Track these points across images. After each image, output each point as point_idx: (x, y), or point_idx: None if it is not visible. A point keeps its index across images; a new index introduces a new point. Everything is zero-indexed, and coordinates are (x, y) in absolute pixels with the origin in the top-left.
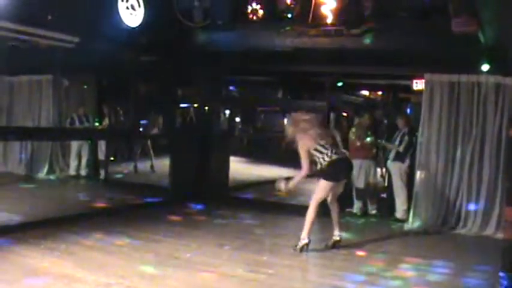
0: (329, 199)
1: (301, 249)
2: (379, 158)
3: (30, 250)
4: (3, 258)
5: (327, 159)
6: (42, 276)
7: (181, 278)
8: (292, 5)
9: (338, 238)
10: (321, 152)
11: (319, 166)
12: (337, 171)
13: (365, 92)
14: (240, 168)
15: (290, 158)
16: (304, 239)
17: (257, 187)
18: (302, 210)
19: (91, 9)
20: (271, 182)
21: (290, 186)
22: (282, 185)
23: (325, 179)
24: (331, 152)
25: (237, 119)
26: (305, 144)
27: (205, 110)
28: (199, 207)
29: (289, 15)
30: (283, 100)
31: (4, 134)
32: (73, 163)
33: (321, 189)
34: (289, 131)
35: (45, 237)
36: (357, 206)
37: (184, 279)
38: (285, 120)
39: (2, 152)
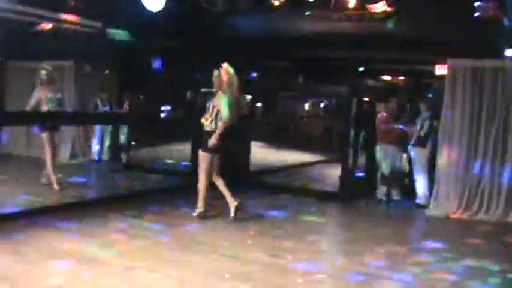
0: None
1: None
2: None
3: (55, 232)
4: (28, 240)
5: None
6: (67, 258)
7: (204, 262)
8: None
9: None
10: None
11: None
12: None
13: (387, 77)
14: (261, 153)
15: (310, 143)
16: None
17: (278, 172)
18: (323, 195)
19: None
20: (292, 167)
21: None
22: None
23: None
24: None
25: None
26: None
27: None
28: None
29: (312, 0)
30: (305, 85)
31: (29, 119)
32: (95, 147)
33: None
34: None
35: (69, 220)
36: (380, 192)
37: (207, 263)
38: (306, 106)
39: (25, 136)
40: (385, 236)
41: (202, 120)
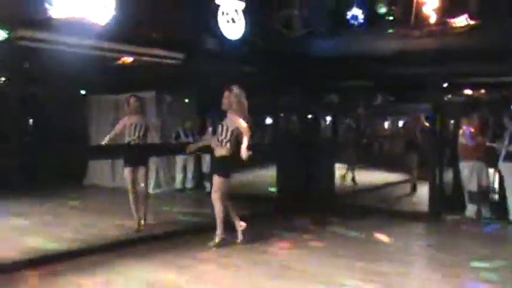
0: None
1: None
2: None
3: (147, 264)
4: (122, 272)
5: None
6: None
7: None
8: (393, 8)
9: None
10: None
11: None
12: None
13: (468, 91)
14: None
15: (394, 162)
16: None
17: (364, 193)
18: (411, 215)
19: (192, 25)
20: (376, 188)
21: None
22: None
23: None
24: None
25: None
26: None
27: (307, 117)
28: (307, 216)
29: (391, 18)
30: (386, 104)
31: (113, 151)
32: (179, 176)
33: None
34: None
35: (161, 251)
36: (470, 210)
37: None
38: (386, 124)
39: (110, 168)
40: (480, 255)
41: (214, 144)
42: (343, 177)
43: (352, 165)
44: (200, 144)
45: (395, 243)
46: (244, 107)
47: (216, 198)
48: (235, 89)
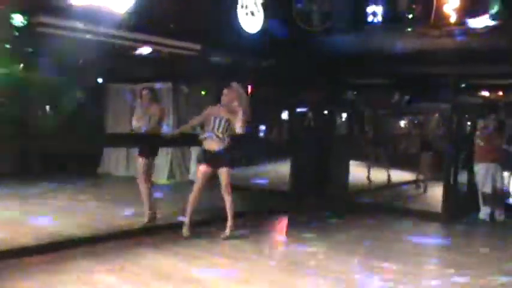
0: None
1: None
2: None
3: (159, 254)
4: (135, 261)
5: None
6: (171, 280)
7: (311, 284)
8: (413, 6)
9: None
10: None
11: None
12: None
13: (485, 93)
14: (359, 171)
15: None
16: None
17: (378, 191)
18: (424, 215)
19: (211, 17)
20: (390, 186)
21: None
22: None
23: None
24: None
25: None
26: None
27: (324, 114)
28: (321, 212)
29: (410, 16)
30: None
31: (129, 141)
32: (193, 167)
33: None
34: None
35: (174, 241)
36: (484, 212)
37: (314, 285)
38: (402, 123)
39: (125, 157)
40: (499, 257)
41: (209, 137)
42: (367, 176)
43: (372, 163)
44: (188, 126)
45: (409, 242)
46: (245, 102)
47: (229, 191)
48: (235, 85)
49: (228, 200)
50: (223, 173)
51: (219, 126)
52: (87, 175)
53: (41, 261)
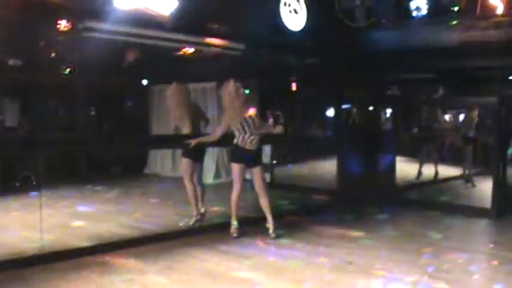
0: None
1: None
2: None
3: (208, 254)
4: (184, 261)
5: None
6: (220, 280)
7: (357, 282)
8: None
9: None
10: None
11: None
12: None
13: None
14: (405, 168)
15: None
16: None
17: (423, 187)
18: (473, 211)
19: (254, 16)
20: (437, 182)
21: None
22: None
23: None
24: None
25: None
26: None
27: (368, 110)
28: (367, 208)
29: (456, 9)
30: (449, 98)
31: (174, 141)
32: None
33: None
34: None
35: (222, 241)
36: None
37: (360, 284)
38: (447, 118)
39: (170, 157)
40: None
41: (250, 139)
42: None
43: (424, 158)
44: (202, 139)
45: (457, 240)
46: (234, 103)
47: (264, 189)
48: (231, 85)
49: (263, 199)
50: (257, 171)
51: (250, 128)
52: (134, 176)
53: (92, 261)
